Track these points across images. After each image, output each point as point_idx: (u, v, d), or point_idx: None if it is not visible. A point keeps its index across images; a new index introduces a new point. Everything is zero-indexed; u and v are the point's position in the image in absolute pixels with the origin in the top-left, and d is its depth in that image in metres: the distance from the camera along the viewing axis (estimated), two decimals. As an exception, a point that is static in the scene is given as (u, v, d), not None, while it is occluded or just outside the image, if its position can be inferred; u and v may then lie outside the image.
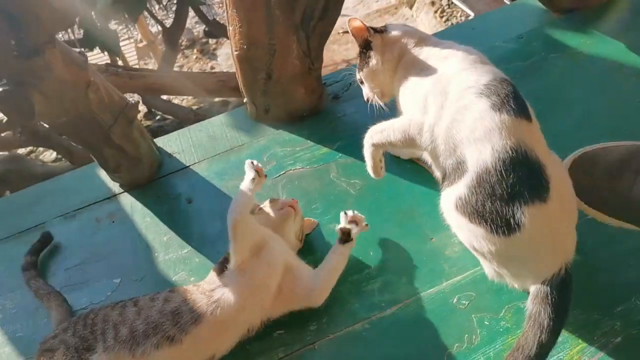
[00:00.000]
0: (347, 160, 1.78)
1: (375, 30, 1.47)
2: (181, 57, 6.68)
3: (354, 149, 1.79)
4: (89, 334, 1.21)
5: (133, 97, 5.49)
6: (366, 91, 1.53)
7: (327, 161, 1.80)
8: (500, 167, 1.10)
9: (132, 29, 6.70)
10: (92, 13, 3.78)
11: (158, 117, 5.15)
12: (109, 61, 4.98)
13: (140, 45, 6.57)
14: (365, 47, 1.50)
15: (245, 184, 1.37)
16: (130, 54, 6.24)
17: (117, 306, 1.28)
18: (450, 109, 1.20)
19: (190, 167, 1.90)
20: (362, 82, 1.54)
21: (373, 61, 1.46)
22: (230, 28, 1.89)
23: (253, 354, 1.35)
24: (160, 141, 2.03)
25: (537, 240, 1.12)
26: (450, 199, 1.20)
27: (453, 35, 2.15)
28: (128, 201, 1.81)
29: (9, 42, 1.21)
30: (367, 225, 1.45)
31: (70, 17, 1.32)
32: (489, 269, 1.28)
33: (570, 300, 1.14)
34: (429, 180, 1.64)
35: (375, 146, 1.40)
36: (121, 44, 6.13)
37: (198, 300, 1.26)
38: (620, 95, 1.77)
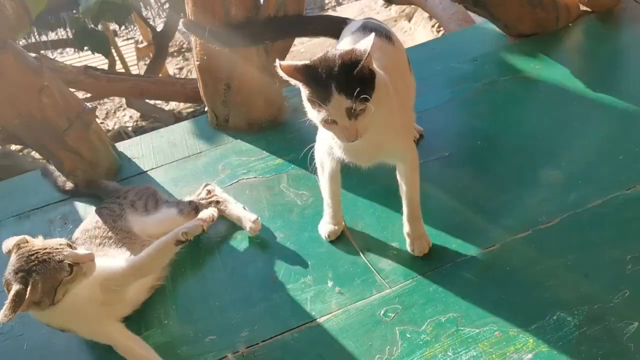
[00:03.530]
0: (299, 172, 1.83)
1: None
2: (181, 59, 6.74)
3: (306, 162, 1.84)
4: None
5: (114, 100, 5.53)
6: None
7: (279, 172, 1.85)
8: None
9: (133, 30, 6.77)
10: (83, 16, 3.84)
11: (152, 119, 5.19)
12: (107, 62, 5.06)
13: (140, 46, 6.61)
14: None
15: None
16: (130, 54, 6.28)
17: None
18: None
19: (148, 172, 1.95)
20: None
21: None
22: (192, 39, 1.94)
23: (182, 358, 1.39)
24: (122, 146, 2.08)
25: None
26: None
27: (415, 52, 2.23)
28: (82, 203, 1.85)
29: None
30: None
31: (23, 23, 1.37)
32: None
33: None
34: (373, 194, 1.70)
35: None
36: (121, 44, 6.22)
37: None
38: (561, 118, 1.83)
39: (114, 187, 1.80)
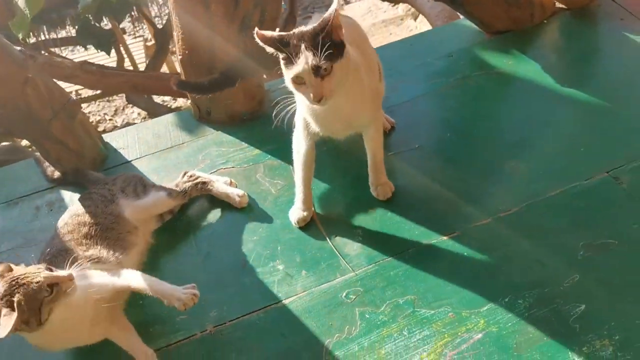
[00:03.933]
0: (275, 162, 1.90)
1: None
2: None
3: (283, 153, 1.91)
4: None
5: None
6: None
7: (256, 162, 1.92)
8: None
9: (143, 28, 6.87)
10: (82, 12, 3.92)
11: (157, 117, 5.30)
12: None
13: (149, 44, 6.69)
14: None
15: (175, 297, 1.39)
16: (139, 52, 6.37)
17: None
18: None
19: (132, 162, 2.02)
20: None
21: None
22: (175, 34, 2.02)
23: (155, 336, 1.46)
24: (109, 137, 2.15)
25: None
26: None
27: (394, 49, 2.30)
28: (68, 192, 1.93)
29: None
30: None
31: (5, 19, 1.45)
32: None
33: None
34: (344, 184, 1.77)
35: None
36: (130, 42, 6.32)
37: None
38: (529, 113, 1.89)
39: (99, 177, 1.87)
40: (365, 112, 1.53)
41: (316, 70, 1.26)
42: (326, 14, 1.27)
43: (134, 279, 1.43)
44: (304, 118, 1.52)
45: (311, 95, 1.29)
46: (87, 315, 1.37)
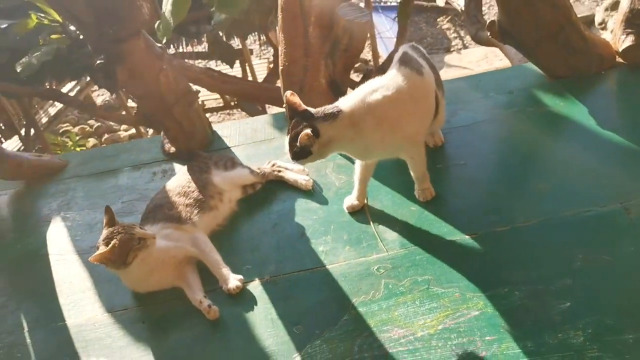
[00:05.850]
0: (343, 162, 2.29)
1: None
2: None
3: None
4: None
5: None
6: None
7: (328, 160, 2.30)
8: None
9: (269, 50, 7.56)
10: (215, 28, 4.53)
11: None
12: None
13: (272, 66, 7.35)
14: None
15: (231, 281, 1.83)
16: (262, 72, 7.05)
17: None
18: None
19: (231, 148, 2.50)
20: None
21: None
22: (279, 48, 2.48)
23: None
24: (217, 126, 2.65)
25: None
26: None
27: (463, 82, 2.63)
28: (178, 165, 2.43)
29: (108, 30, 1.86)
30: None
31: (153, 20, 1.95)
32: None
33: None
34: (394, 184, 2.11)
35: None
36: (256, 62, 7.01)
37: None
38: (566, 146, 2.15)
39: (205, 156, 2.35)
40: (390, 150, 1.91)
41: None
42: (300, 133, 1.66)
43: (201, 253, 1.90)
44: None
45: None
46: (156, 267, 1.83)
